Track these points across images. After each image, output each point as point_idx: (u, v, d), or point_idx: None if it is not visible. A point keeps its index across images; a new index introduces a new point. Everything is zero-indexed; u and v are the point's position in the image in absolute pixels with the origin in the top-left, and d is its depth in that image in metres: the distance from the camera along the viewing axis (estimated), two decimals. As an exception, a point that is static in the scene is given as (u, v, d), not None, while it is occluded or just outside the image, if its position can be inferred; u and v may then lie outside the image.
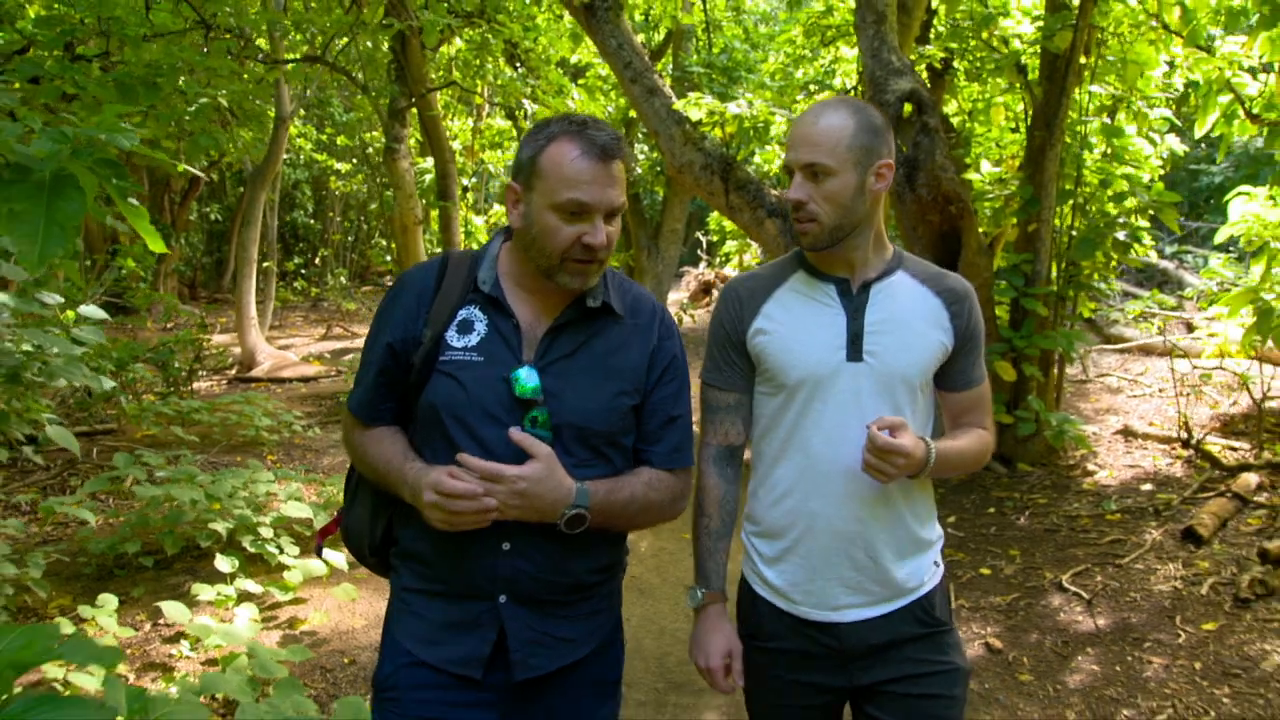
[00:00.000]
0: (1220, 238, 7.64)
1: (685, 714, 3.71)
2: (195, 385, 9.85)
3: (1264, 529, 5.10)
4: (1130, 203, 6.65)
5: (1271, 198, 7.21)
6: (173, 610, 3.73)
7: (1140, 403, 8.45)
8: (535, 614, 1.87)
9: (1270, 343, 7.06)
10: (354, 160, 18.03)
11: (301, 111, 15.11)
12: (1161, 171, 8.61)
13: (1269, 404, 7.43)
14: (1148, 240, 8.33)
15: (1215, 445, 6.67)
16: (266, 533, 4.72)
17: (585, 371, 1.88)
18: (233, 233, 17.98)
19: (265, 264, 13.01)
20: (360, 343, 15.12)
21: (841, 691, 2.04)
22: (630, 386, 1.91)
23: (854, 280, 2.01)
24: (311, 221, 22.46)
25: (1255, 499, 5.54)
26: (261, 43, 8.99)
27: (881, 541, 1.98)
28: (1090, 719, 3.54)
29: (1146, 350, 10.94)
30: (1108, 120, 7.65)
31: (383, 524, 1.98)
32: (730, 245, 18.05)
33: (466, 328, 1.88)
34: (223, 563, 4.25)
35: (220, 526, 4.58)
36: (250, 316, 11.82)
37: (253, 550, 4.57)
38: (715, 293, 18.78)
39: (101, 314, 3.91)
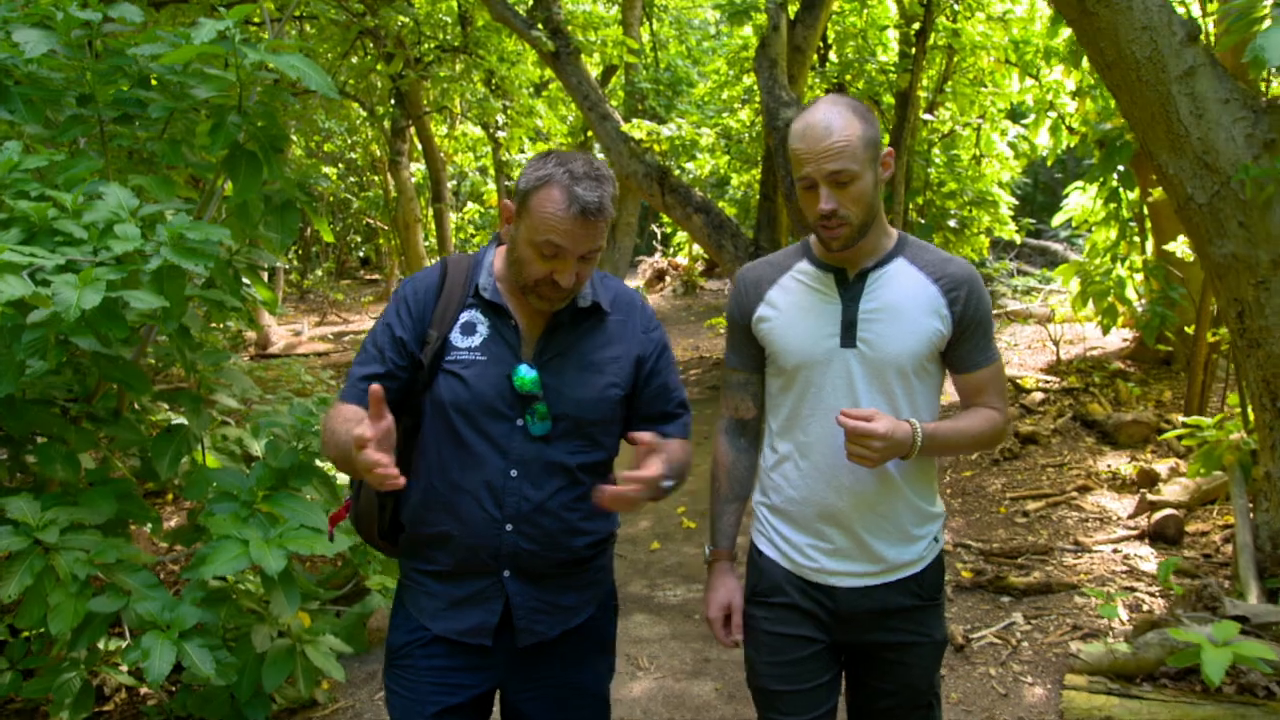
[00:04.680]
0: (1056, 221, 9.88)
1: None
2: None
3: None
4: (954, 201, 8.90)
5: (1099, 195, 9.41)
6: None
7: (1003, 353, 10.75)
8: (536, 586, 1.98)
9: (1090, 304, 9.23)
10: (339, 165, 19.94)
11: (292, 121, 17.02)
12: (1019, 169, 10.90)
13: (1093, 353, 9.76)
14: (1012, 225, 10.62)
15: (1034, 378, 8.92)
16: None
17: (578, 367, 1.97)
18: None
19: (275, 258, 15.02)
20: (352, 327, 17.16)
21: (827, 643, 2.12)
22: (619, 379, 2.02)
23: (852, 269, 2.04)
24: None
25: (1038, 409, 7.81)
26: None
27: (877, 518, 2.04)
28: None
29: (1028, 316, 13.26)
30: (974, 131, 9.91)
31: (390, 509, 2.05)
32: (681, 236, 19.64)
33: (470, 329, 1.95)
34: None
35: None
36: (264, 303, 13.87)
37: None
38: (668, 279, 20.68)
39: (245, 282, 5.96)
